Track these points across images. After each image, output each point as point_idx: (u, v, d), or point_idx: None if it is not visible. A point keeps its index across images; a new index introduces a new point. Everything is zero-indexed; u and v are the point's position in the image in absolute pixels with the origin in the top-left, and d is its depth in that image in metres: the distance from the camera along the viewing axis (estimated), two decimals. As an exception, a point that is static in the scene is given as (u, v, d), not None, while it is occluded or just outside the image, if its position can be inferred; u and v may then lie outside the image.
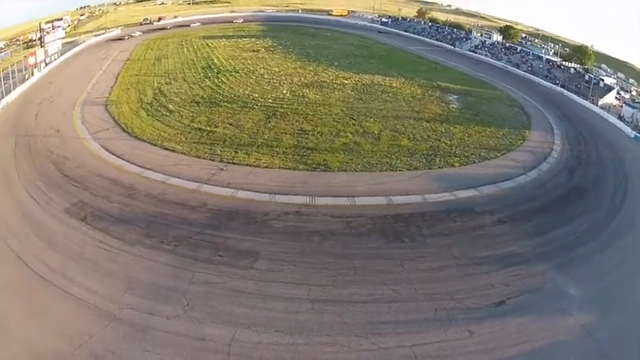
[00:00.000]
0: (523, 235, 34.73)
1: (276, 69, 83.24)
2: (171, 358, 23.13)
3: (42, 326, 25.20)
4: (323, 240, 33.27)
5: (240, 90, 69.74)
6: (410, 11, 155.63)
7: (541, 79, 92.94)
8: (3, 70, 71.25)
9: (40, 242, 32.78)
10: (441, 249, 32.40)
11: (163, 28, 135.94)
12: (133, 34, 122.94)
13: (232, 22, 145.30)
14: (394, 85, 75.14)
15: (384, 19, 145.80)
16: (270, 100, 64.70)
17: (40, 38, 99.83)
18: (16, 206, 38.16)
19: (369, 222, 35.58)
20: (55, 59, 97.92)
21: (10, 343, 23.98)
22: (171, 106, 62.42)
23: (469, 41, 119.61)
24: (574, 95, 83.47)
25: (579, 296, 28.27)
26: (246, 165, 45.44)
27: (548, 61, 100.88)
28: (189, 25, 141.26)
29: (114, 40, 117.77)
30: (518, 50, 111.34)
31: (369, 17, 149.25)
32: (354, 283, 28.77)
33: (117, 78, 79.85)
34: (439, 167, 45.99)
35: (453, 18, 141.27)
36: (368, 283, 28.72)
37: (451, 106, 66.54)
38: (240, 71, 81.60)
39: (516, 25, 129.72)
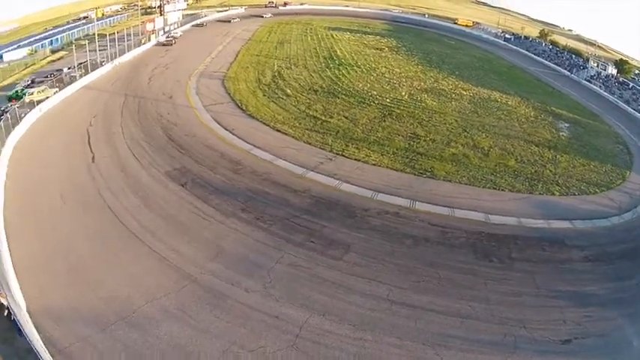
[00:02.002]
0: (605, 277, 32.54)
1: (397, 70, 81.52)
2: (238, 328, 23.20)
3: (118, 275, 25.72)
4: (415, 245, 32.88)
5: (360, 85, 69.22)
6: (532, 30, 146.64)
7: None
8: (118, 32, 72.16)
9: (134, 199, 33.60)
10: (526, 275, 31.17)
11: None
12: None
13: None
14: (510, 103, 71.50)
15: (507, 36, 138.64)
16: (387, 100, 63.94)
17: (159, 7, 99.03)
18: (116, 162, 38.96)
19: (464, 235, 34.73)
20: (174, 29, 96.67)
21: (80, 284, 24.65)
22: (288, 91, 62.87)
23: (585, 70, 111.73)
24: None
25: (641, 351, 26.26)
26: (355, 159, 45.27)
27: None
28: (321, 14, 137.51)
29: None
30: (630, 86, 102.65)
31: (493, 32, 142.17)
32: (435, 292, 28.27)
33: (237, 55, 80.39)
34: (540, 193, 43.76)
35: (572, 43, 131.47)
36: (448, 295, 28.16)
37: (561, 133, 62.44)
38: (362, 67, 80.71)
39: (632, 60, 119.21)
